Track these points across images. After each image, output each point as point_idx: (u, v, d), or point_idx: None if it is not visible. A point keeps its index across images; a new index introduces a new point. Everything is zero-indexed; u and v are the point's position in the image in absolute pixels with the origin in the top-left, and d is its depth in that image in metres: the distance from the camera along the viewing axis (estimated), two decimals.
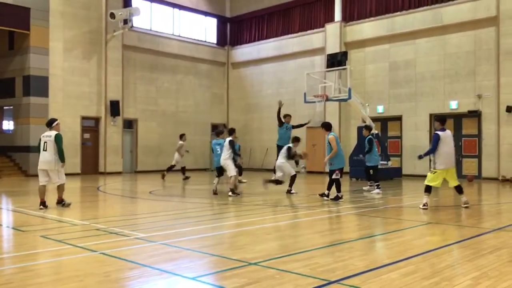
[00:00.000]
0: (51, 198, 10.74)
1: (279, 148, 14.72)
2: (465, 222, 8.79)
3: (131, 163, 25.05)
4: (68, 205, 10.50)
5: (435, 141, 10.17)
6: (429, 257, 5.71)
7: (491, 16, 19.25)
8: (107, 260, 5.54)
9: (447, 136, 10.20)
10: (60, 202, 10.51)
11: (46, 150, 10.18)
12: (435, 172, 10.23)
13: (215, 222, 8.68)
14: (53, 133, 10.33)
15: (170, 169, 19.38)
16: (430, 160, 10.35)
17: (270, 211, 10.38)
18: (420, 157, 10.67)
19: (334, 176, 11.71)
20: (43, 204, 10.20)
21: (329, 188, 11.99)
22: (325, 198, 11.93)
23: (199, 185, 17.59)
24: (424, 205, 10.21)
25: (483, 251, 6.03)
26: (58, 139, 10.24)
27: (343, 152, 12.12)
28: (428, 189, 10.27)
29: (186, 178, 18.99)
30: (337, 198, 11.61)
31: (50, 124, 10.61)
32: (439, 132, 10.20)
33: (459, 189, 10.42)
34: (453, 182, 10.38)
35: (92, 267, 5.23)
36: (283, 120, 16.05)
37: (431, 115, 21.07)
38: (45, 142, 10.21)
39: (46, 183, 10.25)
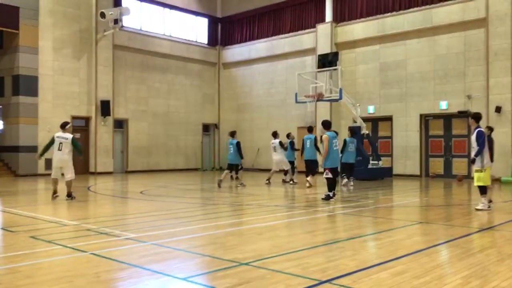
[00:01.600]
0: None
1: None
2: (455, 221, 8.85)
3: (122, 163, 24.93)
4: (74, 198, 11.68)
5: (484, 138, 9.91)
6: (419, 256, 5.75)
7: (481, 18, 19.42)
8: (98, 260, 5.51)
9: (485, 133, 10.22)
10: (70, 195, 11.69)
11: (61, 150, 11.57)
12: (485, 170, 9.93)
13: (206, 222, 8.66)
14: (68, 135, 11.58)
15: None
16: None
17: (261, 211, 10.38)
18: (473, 161, 10.11)
19: (324, 175, 11.68)
20: (55, 192, 11.77)
21: (332, 189, 11.82)
22: (332, 200, 11.58)
23: (190, 185, 17.55)
24: (488, 206, 10.01)
25: (473, 250, 6.08)
26: (74, 142, 11.72)
27: (337, 152, 11.89)
28: (484, 190, 10.00)
29: None
30: (327, 198, 11.55)
31: (63, 126, 11.81)
32: (482, 129, 10.12)
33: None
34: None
35: (82, 267, 5.20)
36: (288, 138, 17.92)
37: (421, 115, 21.22)
38: (60, 143, 11.51)
39: (57, 177, 11.82)
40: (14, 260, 5.55)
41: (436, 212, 10.20)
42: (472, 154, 10.14)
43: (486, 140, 9.89)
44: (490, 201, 10.18)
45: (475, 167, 10.02)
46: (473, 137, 10.07)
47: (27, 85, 20.93)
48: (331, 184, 11.62)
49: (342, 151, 15.82)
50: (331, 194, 11.60)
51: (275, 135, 17.50)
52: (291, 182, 17.08)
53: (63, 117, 22.24)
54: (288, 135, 18.12)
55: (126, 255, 5.88)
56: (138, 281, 4.73)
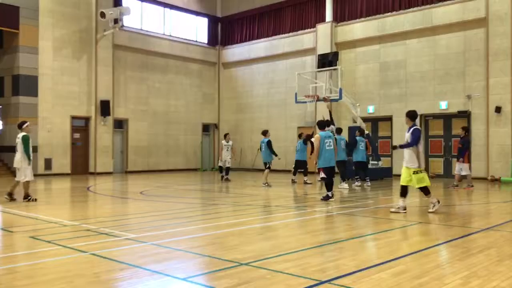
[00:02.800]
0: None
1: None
2: (454, 222, 8.85)
3: (122, 163, 24.92)
4: (34, 200, 11.41)
5: (418, 136, 9.52)
6: (419, 256, 5.75)
7: (480, 17, 19.42)
8: (98, 260, 5.51)
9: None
10: (26, 197, 11.46)
11: (17, 151, 11.62)
12: (423, 170, 9.66)
13: (206, 223, 8.66)
14: (21, 134, 11.42)
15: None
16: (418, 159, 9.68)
17: (261, 211, 10.38)
18: (394, 147, 10.23)
19: (320, 176, 11.75)
20: (10, 195, 11.63)
21: (330, 189, 11.84)
22: (331, 199, 11.64)
23: (190, 185, 17.55)
24: (433, 206, 9.59)
25: (473, 251, 6.08)
26: (24, 141, 11.35)
27: (331, 152, 11.76)
28: (428, 191, 9.61)
29: None
30: (326, 198, 11.55)
31: (20, 126, 11.71)
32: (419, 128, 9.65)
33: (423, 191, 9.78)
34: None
35: (82, 268, 5.20)
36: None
37: (421, 115, 21.20)
38: (16, 143, 11.57)
39: (18, 179, 11.65)
40: (13, 260, 5.55)
41: (436, 212, 10.19)
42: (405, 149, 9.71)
43: (420, 139, 9.53)
44: (438, 201, 9.72)
45: (411, 167, 9.52)
46: (407, 134, 9.67)
47: (27, 85, 20.92)
48: (328, 184, 11.62)
49: (351, 151, 16.32)
50: (330, 194, 11.60)
51: (265, 133, 17.59)
52: (306, 182, 17.18)
53: (63, 117, 22.34)
54: (300, 135, 18.57)
55: (126, 255, 5.88)
56: (138, 281, 4.73)
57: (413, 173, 9.51)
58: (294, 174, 17.79)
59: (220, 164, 19.09)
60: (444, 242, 6.75)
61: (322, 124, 12.09)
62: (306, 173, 17.64)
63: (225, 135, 19.52)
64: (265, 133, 17.40)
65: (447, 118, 20.56)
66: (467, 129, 15.39)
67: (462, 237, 7.06)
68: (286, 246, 6.46)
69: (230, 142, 18.99)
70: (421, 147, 9.63)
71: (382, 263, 5.36)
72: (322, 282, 4.60)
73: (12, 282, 4.62)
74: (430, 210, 9.55)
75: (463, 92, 19.93)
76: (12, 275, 4.88)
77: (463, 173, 15.08)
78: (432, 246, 6.42)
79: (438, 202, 9.66)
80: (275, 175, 21.38)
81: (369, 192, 14.39)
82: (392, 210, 9.69)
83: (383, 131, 22.59)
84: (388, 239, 6.95)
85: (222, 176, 18.71)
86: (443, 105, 20.45)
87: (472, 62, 19.79)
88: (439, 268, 5.27)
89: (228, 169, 18.73)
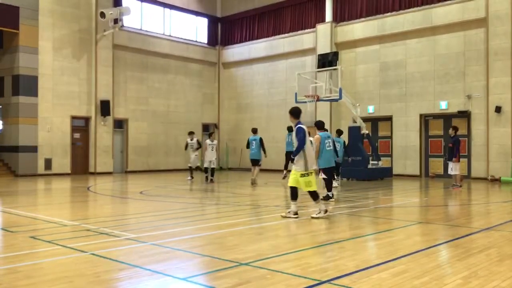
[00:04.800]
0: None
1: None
2: (454, 221, 8.85)
3: (122, 163, 24.93)
4: None
5: (303, 135, 8.67)
6: (419, 256, 5.75)
7: (480, 17, 19.42)
8: (98, 260, 5.51)
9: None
10: None
11: None
12: (311, 173, 8.77)
13: (206, 223, 8.66)
14: None
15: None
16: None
17: (261, 211, 10.38)
18: (292, 161, 8.80)
19: (319, 176, 11.78)
20: None
21: (329, 189, 11.90)
22: (331, 200, 11.63)
23: (190, 185, 17.53)
24: (319, 213, 8.81)
25: (473, 251, 6.08)
26: None
27: (331, 152, 11.80)
28: (317, 195, 8.84)
29: None
30: (327, 198, 11.57)
31: None
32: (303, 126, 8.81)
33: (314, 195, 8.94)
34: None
35: (82, 268, 5.20)
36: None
37: (421, 115, 21.23)
38: None
39: None
40: (14, 260, 5.55)
41: (436, 212, 10.20)
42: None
43: (306, 138, 8.66)
44: (326, 211, 8.91)
45: (298, 170, 8.68)
46: (293, 134, 8.93)
47: (27, 85, 20.93)
48: (328, 185, 11.66)
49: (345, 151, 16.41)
50: (330, 194, 11.63)
51: (255, 131, 17.55)
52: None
53: (63, 117, 22.34)
54: (289, 128, 18.11)
55: (126, 255, 5.88)
56: (138, 281, 4.73)
57: (300, 176, 8.67)
58: (286, 167, 17.64)
59: (205, 165, 17.76)
60: (444, 242, 6.75)
61: (320, 125, 12.10)
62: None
63: (210, 134, 18.78)
64: (255, 130, 17.39)
65: (447, 118, 20.56)
66: (456, 129, 15.41)
67: (462, 237, 7.06)
68: (286, 246, 6.46)
69: (215, 142, 17.98)
70: (309, 147, 8.76)
71: (382, 263, 5.36)
72: (322, 282, 4.60)
73: (13, 282, 4.62)
74: (314, 215, 8.75)
75: (463, 92, 19.93)
76: (13, 275, 4.88)
77: (453, 172, 15.03)
78: (432, 246, 6.42)
79: (326, 211, 8.81)
80: (275, 174, 21.38)
81: (369, 192, 14.37)
82: (283, 215, 8.92)
83: (383, 131, 22.59)
84: (388, 239, 6.95)
85: (207, 177, 17.58)
86: (443, 105, 20.45)
87: (472, 62, 19.79)
88: (439, 268, 5.27)
89: (213, 170, 17.61)
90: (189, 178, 18.59)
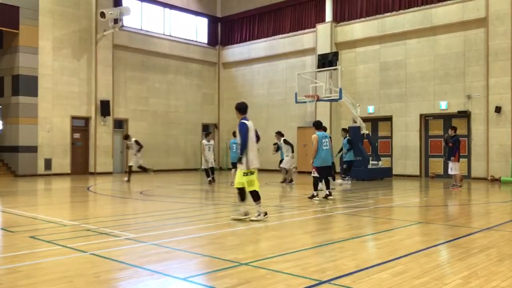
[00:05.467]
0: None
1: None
2: (454, 221, 8.85)
3: (122, 163, 24.92)
4: None
5: (245, 131, 8.31)
6: (419, 256, 5.74)
7: (480, 17, 19.42)
8: (98, 260, 5.51)
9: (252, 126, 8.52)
10: None
11: None
12: (251, 173, 8.41)
13: (206, 223, 8.65)
14: None
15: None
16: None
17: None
18: (240, 160, 8.46)
19: (312, 174, 11.88)
20: None
21: (328, 187, 11.95)
22: (330, 197, 11.80)
23: (190, 185, 17.54)
24: (258, 215, 8.37)
25: (473, 250, 6.07)
26: None
27: (328, 152, 11.84)
28: (258, 196, 8.41)
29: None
30: (312, 197, 11.68)
31: None
32: (246, 122, 8.37)
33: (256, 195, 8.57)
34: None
35: (82, 267, 5.20)
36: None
37: (421, 115, 21.23)
38: None
39: None
40: (14, 260, 5.55)
41: (436, 212, 10.20)
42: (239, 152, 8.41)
43: (247, 135, 8.29)
44: (266, 213, 8.53)
45: (240, 169, 8.38)
46: (237, 131, 8.56)
47: (27, 85, 20.93)
48: (315, 183, 11.80)
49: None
50: (315, 193, 11.70)
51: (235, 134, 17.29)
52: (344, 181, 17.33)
53: (63, 117, 22.34)
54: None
55: (126, 255, 5.88)
56: (138, 281, 4.73)
57: (243, 175, 8.38)
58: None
59: (203, 166, 17.46)
60: (444, 242, 6.75)
61: (318, 124, 12.18)
62: (348, 173, 18.08)
63: (207, 134, 18.16)
64: (235, 133, 16.88)
65: (447, 118, 20.56)
66: (455, 129, 15.47)
67: (462, 237, 7.06)
68: (286, 246, 6.46)
69: (212, 142, 17.55)
70: (251, 144, 8.41)
71: (382, 263, 5.36)
72: (322, 282, 4.60)
73: (13, 282, 4.62)
74: (253, 218, 8.32)
75: (463, 92, 19.93)
76: (13, 275, 4.88)
77: (453, 172, 15.04)
78: (432, 246, 6.42)
79: (265, 214, 8.41)
80: (275, 174, 21.38)
81: (369, 192, 14.37)
82: (233, 216, 8.55)
83: (383, 131, 22.59)
84: (388, 239, 6.95)
85: (210, 181, 17.10)
86: (443, 105, 20.46)
87: (472, 62, 19.79)
88: (439, 268, 5.27)
89: (213, 169, 17.39)
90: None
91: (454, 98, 20.19)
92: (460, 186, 15.14)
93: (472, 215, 9.95)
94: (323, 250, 6.20)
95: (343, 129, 17.98)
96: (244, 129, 8.35)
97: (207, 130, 28.80)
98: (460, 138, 15.76)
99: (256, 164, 8.44)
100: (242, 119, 8.53)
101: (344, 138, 17.58)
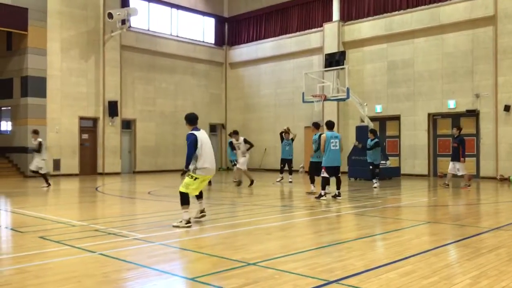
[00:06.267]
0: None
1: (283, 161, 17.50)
2: (463, 221, 8.79)
3: (130, 163, 25.02)
4: None
5: (190, 141, 7.96)
6: (428, 256, 5.71)
7: (489, 15, 19.28)
8: (106, 260, 5.53)
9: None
10: None
11: None
12: (194, 176, 8.08)
13: (213, 222, 8.66)
14: None
15: None
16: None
17: (269, 211, 10.38)
18: (184, 173, 8.25)
19: (322, 174, 11.88)
20: None
21: (338, 187, 11.93)
22: (338, 198, 11.76)
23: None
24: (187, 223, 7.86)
25: (482, 250, 6.03)
26: None
27: (336, 152, 11.85)
28: (187, 200, 8.04)
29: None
30: (319, 196, 11.68)
31: None
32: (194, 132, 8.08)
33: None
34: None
35: (90, 267, 5.23)
36: (283, 136, 17.51)
37: (429, 114, 21.11)
38: None
39: None
40: (23, 260, 5.59)
41: (445, 212, 10.14)
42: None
43: (198, 144, 7.96)
44: (202, 213, 8.51)
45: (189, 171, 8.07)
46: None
47: (36, 86, 21.05)
48: (323, 183, 11.77)
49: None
50: (322, 193, 11.68)
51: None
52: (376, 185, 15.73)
53: (71, 118, 22.46)
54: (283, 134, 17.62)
55: (134, 255, 5.90)
56: (146, 281, 4.75)
57: (187, 175, 8.13)
58: (281, 172, 17.73)
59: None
60: (453, 242, 6.71)
61: (330, 125, 12.22)
62: (291, 171, 17.73)
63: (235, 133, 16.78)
64: (231, 134, 16.92)
65: (455, 117, 20.44)
66: (460, 128, 15.37)
67: (471, 236, 7.02)
68: (294, 246, 6.45)
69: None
70: (205, 151, 8.10)
71: (390, 263, 5.34)
72: (330, 282, 4.59)
73: (22, 282, 4.66)
74: (174, 224, 7.89)
75: (472, 91, 19.80)
76: (22, 275, 4.92)
77: (461, 172, 14.94)
78: (441, 246, 6.39)
79: (188, 222, 7.84)
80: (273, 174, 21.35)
81: (377, 192, 14.31)
82: (174, 224, 7.91)
83: (391, 131, 22.50)
84: (396, 239, 6.92)
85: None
86: (451, 104, 20.33)
87: (480, 60, 19.65)
88: (448, 268, 5.24)
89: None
90: (250, 183, 16.07)
91: (462, 97, 20.06)
92: (469, 186, 15.06)
93: (481, 214, 9.88)
94: (331, 250, 6.19)
95: (371, 130, 16.42)
96: (190, 139, 7.96)
97: (215, 130, 28.87)
98: (464, 138, 15.65)
99: (204, 172, 8.07)
100: (192, 129, 8.14)
101: (372, 140, 15.69)
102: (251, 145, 16.45)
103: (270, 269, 5.05)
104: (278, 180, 17.49)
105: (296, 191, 15.00)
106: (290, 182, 17.25)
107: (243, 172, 16.16)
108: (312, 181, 13.44)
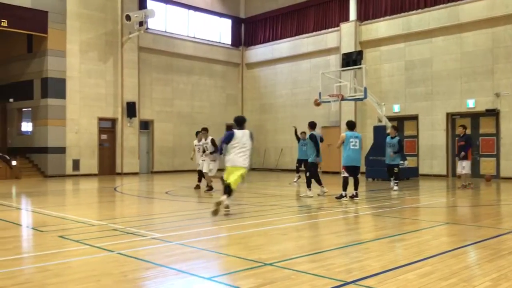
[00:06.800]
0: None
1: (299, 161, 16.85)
2: (483, 222, 8.67)
3: (148, 163, 25.23)
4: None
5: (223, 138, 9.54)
6: (447, 257, 5.65)
7: (509, 13, 18.98)
8: (124, 260, 5.59)
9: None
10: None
11: None
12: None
13: (230, 223, 8.68)
14: None
15: None
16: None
17: (286, 211, 10.37)
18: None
19: (341, 174, 12.02)
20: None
21: (356, 188, 11.87)
22: (356, 198, 11.71)
23: (215, 185, 17.61)
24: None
25: (502, 252, 5.94)
26: None
27: (356, 151, 11.79)
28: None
29: None
30: (340, 197, 11.68)
31: None
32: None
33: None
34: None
35: (109, 267, 5.28)
36: (300, 137, 16.90)
37: (447, 114, 20.86)
38: None
39: None
40: (43, 259, 5.68)
41: (464, 213, 10.01)
42: None
43: (227, 137, 9.40)
44: (226, 208, 9.02)
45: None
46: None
47: (55, 87, 21.39)
48: (344, 183, 11.74)
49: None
50: (343, 193, 11.63)
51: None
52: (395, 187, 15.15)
53: (90, 119, 22.74)
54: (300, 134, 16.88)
55: (152, 255, 5.95)
56: (164, 281, 4.78)
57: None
58: (297, 171, 17.63)
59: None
60: (473, 243, 6.62)
61: (351, 125, 12.19)
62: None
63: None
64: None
65: (474, 117, 20.16)
66: (465, 127, 15.11)
67: (491, 238, 6.91)
68: (311, 246, 6.43)
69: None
70: (237, 147, 9.33)
71: (409, 264, 5.29)
72: (347, 283, 4.56)
73: (42, 280, 4.73)
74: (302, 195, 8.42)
75: (491, 90, 19.51)
76: (42, 274, 4.99)
77: (465, 171, 14.63)
78: (460, 247, 6.31)
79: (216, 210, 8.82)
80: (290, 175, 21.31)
81: (395, 192, 14.18)
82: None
83: (409, 130, 22.29)
84: (414, 240, 6.86)
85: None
86: (471, 104, 20.06)
87: (500, 59, 19.35)
88: (467, 269, 5.17)
89: None
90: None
91: (482, 96, 19.78)
92: (465, 186, 14.63)
93: (501, 215, 9.73)
94: (349, 251, 6.16)
95: (393, 127, 16.09)
96: (228, 133, 9.54)
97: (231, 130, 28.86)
98: (481, 137, 15.38)
99: (231, 164, 9.28)
100: (238, 129, 9.58)
101: (392, 138, 15.22)
102: (216, 150, 13.68)
103: (287, 270, 5.05)
104: (295, 180, 17.47)
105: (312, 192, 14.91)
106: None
107: (210, 177, 14.45)
108: (319, 183, 13.04)
